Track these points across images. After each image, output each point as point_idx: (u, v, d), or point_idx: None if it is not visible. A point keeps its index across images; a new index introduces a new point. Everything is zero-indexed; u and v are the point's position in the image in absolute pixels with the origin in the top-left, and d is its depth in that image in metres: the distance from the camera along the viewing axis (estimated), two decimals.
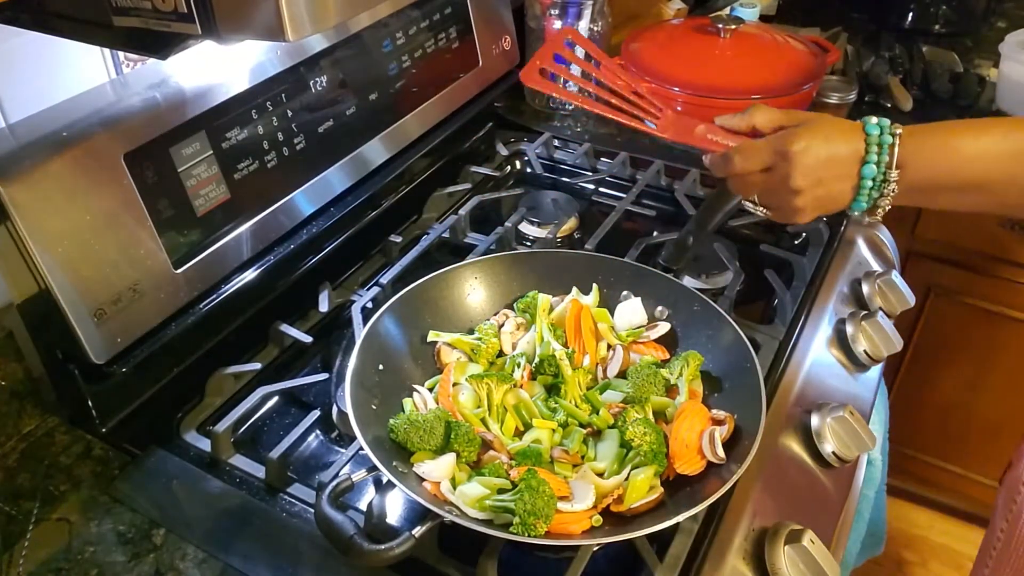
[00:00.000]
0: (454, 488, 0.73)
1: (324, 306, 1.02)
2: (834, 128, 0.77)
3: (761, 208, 0.84)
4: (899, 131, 0.74)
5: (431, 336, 0.89)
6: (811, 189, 0.76)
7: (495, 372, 0.83)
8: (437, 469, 0.73)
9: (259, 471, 0.83)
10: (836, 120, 0.79)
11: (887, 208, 0.76)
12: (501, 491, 0.71)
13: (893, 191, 0.74)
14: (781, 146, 0.77)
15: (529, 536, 0.67)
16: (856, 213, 0.77)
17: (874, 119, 0.75)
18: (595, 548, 0.73)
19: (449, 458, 0.74)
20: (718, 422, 0.77)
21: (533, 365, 0.86)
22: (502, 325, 0.91)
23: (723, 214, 1.09)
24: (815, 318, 1.02)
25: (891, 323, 1.01)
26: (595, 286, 0.94)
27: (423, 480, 0.73)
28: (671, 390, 0.83)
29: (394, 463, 0.72)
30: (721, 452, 0.74)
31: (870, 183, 0.75)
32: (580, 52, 0.99)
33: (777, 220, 0.83)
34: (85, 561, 0.75)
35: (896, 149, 0.73)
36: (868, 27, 1.80)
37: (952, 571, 1.74)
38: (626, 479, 0.73)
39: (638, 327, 0.91)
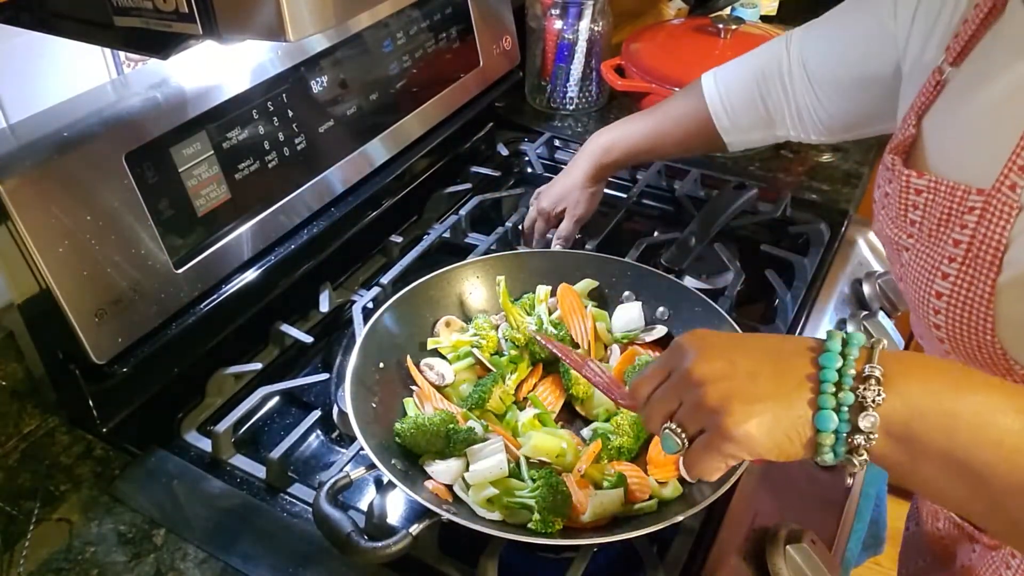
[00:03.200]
0: (467, 488, 0.73)
1: (325, 306, 1.02)
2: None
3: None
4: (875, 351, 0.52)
5: (430, 343, 0.88)
6: (726, 380, 0.53)
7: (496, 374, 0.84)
8: (448, 472, 0.74)
9: (260, 471, 0.83)
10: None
11: (865, 450, 0.51)
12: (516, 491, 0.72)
13: (873, 413, 0.50)
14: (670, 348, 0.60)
15: (547, 533, 0.68)
16: (827, 458, 0.52)
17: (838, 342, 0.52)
18: (595, 548, 0.73)
19: (459, 463, 0.75)
20: None
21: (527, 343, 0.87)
22: (497, 327, 0.90)
23: (726, 215, 1.10)
24: (816, 318, 1.02)
25: (892, 323, 1.01)
26: (587, 280, 0.95)
27: (428, 479, 0.74)
28: None
29: (393, 462, 0.72)
30: None
31: (832, 387, 0.51)
32: None
33: (696, 468, 0.56)
34: (86, 561, 0.75)
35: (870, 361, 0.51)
36: None
37: None
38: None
39: (633, 330, 0.90)
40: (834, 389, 0.51)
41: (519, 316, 0.89)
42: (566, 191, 1.09)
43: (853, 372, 0.51)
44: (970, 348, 0.66)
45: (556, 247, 1.08)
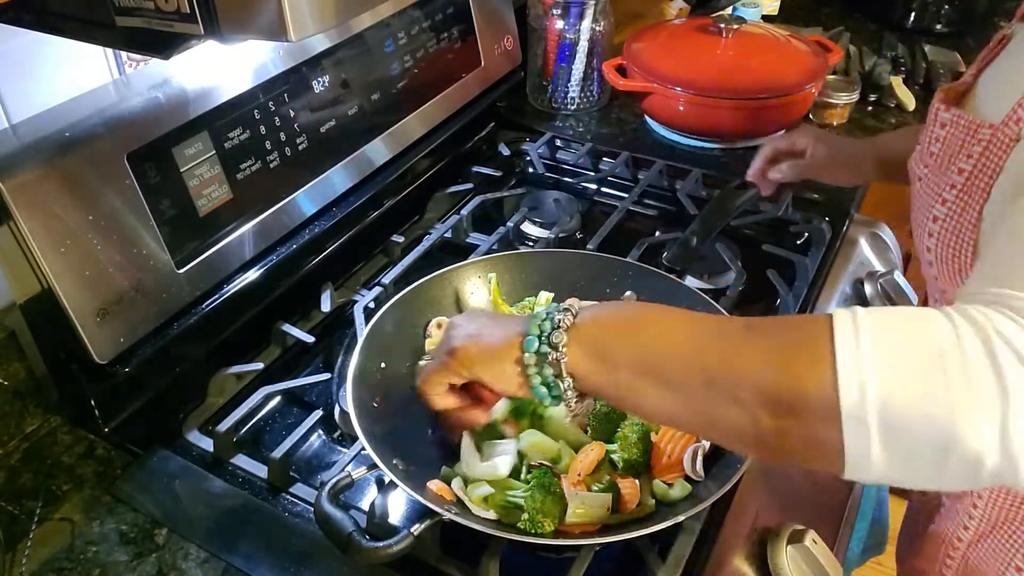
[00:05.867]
0: (465, 487, 0.73)
1: (326, 306, 1.02)
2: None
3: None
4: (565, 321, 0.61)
5: (427, 345, 0.88)
6: (458, 327, 0.67)
7: None
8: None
9: (261, 471, 0.83)
10: None
11: (571, 390, 0.60)
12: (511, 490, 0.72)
13: (563, 348, 0.59)
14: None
15: (536, 534, 0.68)
16: (534, 379, 0.61)
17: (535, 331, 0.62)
18: (597, 548, 0.73)
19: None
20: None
21: None
22: None
23: (727, 215, 1.10)
24: None
25: None
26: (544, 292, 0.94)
27: (429, 479, 0.74)
28: None
29: (395, 461, 0.72)
30: (701, 470, 0.74)
31: (536, 325, 0.61)
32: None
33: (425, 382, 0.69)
34: (87, 561, 0.75)
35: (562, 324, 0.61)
36: (870, 27, 1.80)
37: None
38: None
39: None
40: (538, 328, 0.61)
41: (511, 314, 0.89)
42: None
43: (555, 314, 0.61)
44: (952, 271, 0.72)
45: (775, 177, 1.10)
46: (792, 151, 1.10)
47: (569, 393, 0.60)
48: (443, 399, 0.69)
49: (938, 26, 1.75)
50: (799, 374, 0.49)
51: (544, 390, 0.61)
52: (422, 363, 0.84)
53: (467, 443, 0.76)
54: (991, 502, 0.81)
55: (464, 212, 1.15)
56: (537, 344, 0.60)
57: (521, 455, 0.76)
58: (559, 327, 0.60)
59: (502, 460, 0.74)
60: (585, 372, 0.59)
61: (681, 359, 0.55)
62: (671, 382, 0.55)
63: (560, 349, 0.59)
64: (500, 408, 0.79)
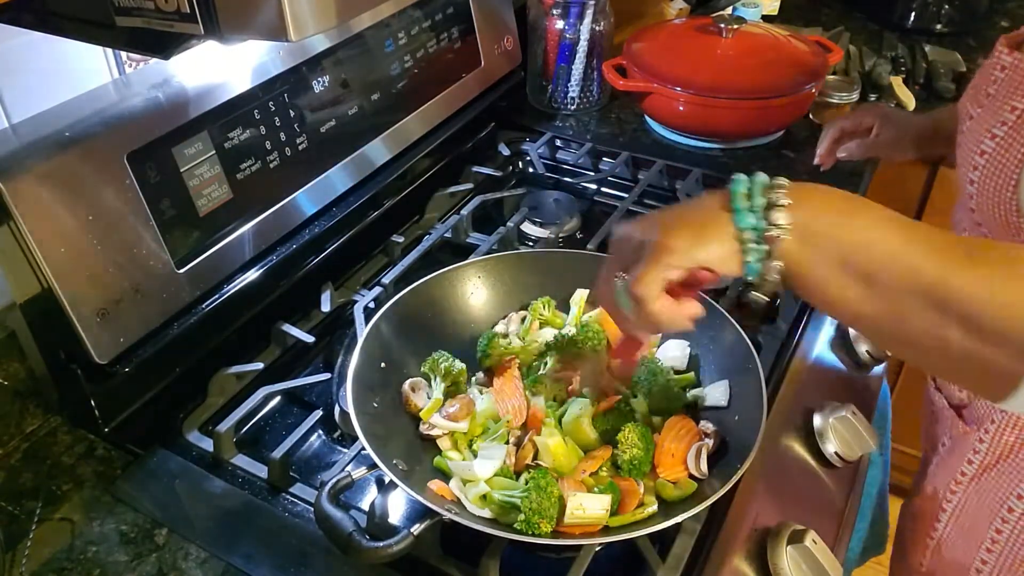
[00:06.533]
0: (463, 484, 0.74)
1: (326, 306, 1.02)
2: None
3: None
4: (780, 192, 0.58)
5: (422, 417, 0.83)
6: (653, 220, 0.63)
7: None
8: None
9: (261, 471, 0.83)
10: None
11: (776, 268, 0.58)
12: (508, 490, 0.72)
13: (781, 227, 0.57)
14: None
15: (533, 534, 0.67)
16: (751, 257, 0.58)
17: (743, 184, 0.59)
18: (597, 548, 0.73)
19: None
20: (705, 435, 0.77)
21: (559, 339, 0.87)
22: (506, 335, 0.90)
23: None
24: (817, 317, 1.02)
25: None
26: (580, 291, 0.94)
27: (429, 479, 0.74)
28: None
29: (395, 461, 0.72)
30: (705, 468, 0.74)
31: (744, 199, 0.59)
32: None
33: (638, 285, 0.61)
34: (87, 561, 0.75)
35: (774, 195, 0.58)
36: (870, 27, 1.80)
37: None
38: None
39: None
40: (747, 202, 0.58)
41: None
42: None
43: (762, 189, 0.58)
44: (992, 205, 0.77)
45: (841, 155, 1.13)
46: (858, 130, 1.13)
47: (774, 276, 0.58)
48: (662, 298, 0.61)
49: (938, 26, 1.75)
50: (1010, 304, 0.52)
51: (759, 267, 0.58)
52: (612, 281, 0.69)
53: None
54: (997, 435, 0.87)
55: (464, 212, 1.15)
56: (752, 220, 0.58)
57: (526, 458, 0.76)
58: (778, 205, 0.57)
59: (481, 463, 0.74)
60: (793, 257, 0.57)
61: (895, 263, 0.55)
62: (879, 283, 0.55)
63: (780, 226, 0.57)
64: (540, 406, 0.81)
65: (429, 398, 0.82)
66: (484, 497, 0.72)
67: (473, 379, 0.86)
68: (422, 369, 0.85)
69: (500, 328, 0.91)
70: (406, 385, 0.83)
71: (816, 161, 1.16)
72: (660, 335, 0.85)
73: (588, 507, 0.70)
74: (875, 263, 0.56)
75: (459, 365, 0.84)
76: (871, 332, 0.66)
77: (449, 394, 0.83)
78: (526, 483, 0.71)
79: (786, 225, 0.57)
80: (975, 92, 0.83)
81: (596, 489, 0.73)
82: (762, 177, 0.59)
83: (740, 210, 0.58)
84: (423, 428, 0.80)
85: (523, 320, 0.92)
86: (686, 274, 0.60)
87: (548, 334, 0.89)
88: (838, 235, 0.57)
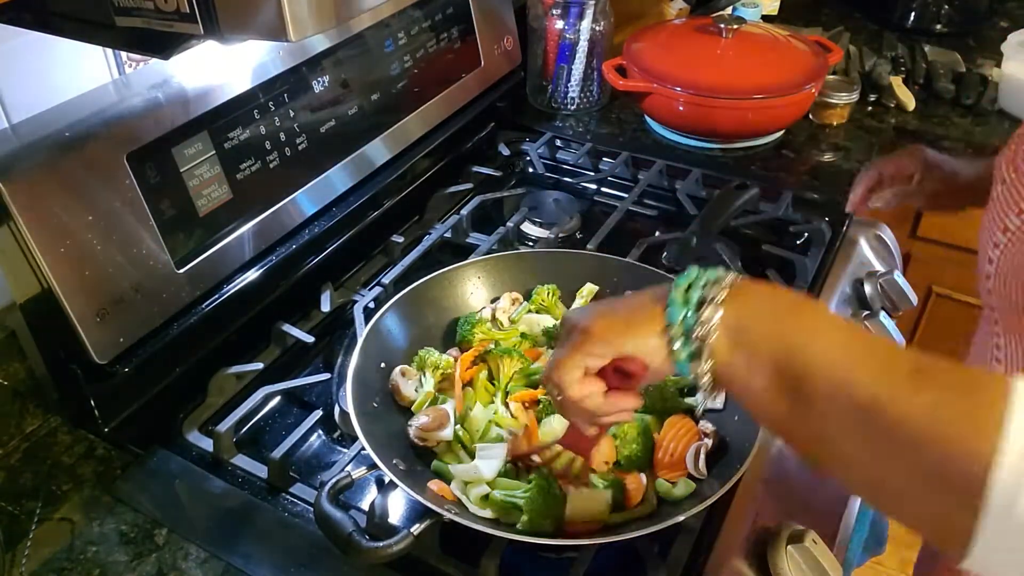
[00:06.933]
0: (464, 485, 0.74)
1: (326, 306, 1.02)
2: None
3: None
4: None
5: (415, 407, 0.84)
6: (588, 310, 0.62)
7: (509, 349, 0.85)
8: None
9: (261, 471, 0.83)
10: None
11: (708, 368, 0.55)
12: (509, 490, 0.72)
13: (713, 327, 0.54)
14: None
15: (535, 533, 0.68)
16: (679, 352, 0.56)
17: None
18: (597, 548, 0.73)
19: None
20: (704, 435, 0.77)
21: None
22: (493, 315, 0.91)
23: (727, 215, 1.10)
24: None
25: (893, 323, 1.01)
26: (589, 284, 0.94)
27: (429, 479, 0.74)
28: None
29: (395, 461, 0.72)
30: (704, 468, 0.74)
31: (680, 308, 0.56)
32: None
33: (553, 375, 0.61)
34: (87, 561, 0.75)
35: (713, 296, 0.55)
36: (870, 27, 1.80)
37: None
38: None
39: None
40: (684, 295, 0.55)
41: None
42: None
43: (702, 285, 0.56)
44: (1010, 288, 0.70)
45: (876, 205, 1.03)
46: (898, 177, 1.01)
47: (705, 380, 0.54)
48: (581, 386, 0.60)
49: (938, 26, 1.75)
50: (955, 439, 0.43)
51: (688, 365, 0.55)
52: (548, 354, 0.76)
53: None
54: None
55: (464, 212, 1.15)
56: (683, 313, 0.54)
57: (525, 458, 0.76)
58: (713, 300, 0.54)
59: (486, 463, 0.74)
60: (724, 360, 0.53)
61: (828, 373, 0.49)
62: (809, 395, 0.49)
63: (710, 326, 0.53)
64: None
65: (417, 391, 0.83)
66: (486, 497, 0.72)
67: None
68: (412, 367, 0.86)
69: (487, 312, 0.91)
70: (396, 372, 0.84)
71: (847, 208, 1.06)
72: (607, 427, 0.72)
73: (590, 502, 0.71)
74: (807, 371, 0.49)
75: (447, 358, 0.85)
76: (806, 456, 0.58)
77: (441, 389, 0.83)
78: (529, 482, 0.71)
79: (715, 323, 0.53)
80: (1011, 154, 0.74)
81: (599, 484, 0.73)
82: (709, 272, 0.56)
83: (673, 303, 0.56)
84: (413, 437, 0.79)
85: (513, 303, 0.93)
86: (609, 363, 0.59)
87: (542, 321, 0.90)
88: (771, 337, 0.52)
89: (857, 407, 0.47)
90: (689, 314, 0.55)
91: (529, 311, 0.92)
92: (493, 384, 0.84)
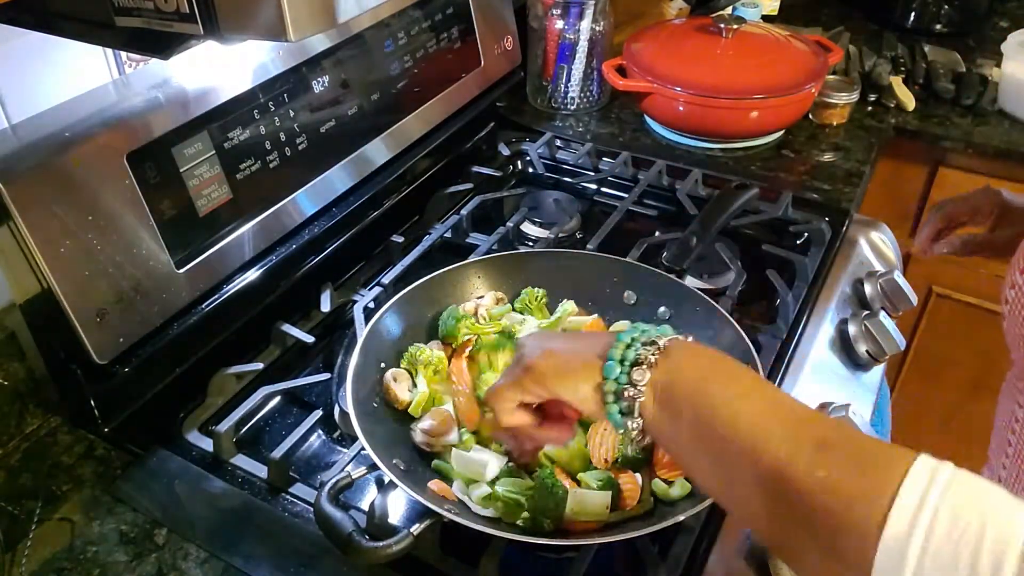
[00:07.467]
0: (466, 486, 0.74)
1: (326, 306, 1.02)
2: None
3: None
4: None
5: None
6: (533, 345, 0.65)
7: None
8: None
9: (261, 471, 0.83)
10: None
11: (639, 418, 0.58)
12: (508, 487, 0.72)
13: (642, 380, 0.57)
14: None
15: (536, 533, 0.68)
16: (611, 407, 0.59)
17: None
18: (597, 548, 0.73)
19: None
20: None
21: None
22: (476, 311, 0.91)
23: (727, 215, 1.10)
24: (817, 318, 1.02)
25: (893, 323, 1.01)
26: (570, 304, 0.93)
27: (429, 479, 0.74)
28: None
29: (395, 461, 0.72)
30: None
31: (621, 349, 0.59)
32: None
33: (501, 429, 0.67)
34: (87, 561, 0.75)
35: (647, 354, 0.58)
36: (870, 27, 1.80)
37: None
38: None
39: None
40: (620, 355, 0.58)
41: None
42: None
43: (640, 344, 0.58)
44: (1018, 336, 0.73)
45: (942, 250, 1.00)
46: (971, 220, 0.97)
47: (635, 434, 0.58)
48: (512, 416, 0.65)
49: (938, 26, 1.75)
50: (845, 514, 0.45)
51: (619, 419, 0.58)
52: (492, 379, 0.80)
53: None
54: None
55: (464, 212, 1.15)
56: (618, 371, 0.58)
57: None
58: (642, 363, 0.57)
59: (492, 460, 0.74)
60: (652, 417, 0.57)
61: (739, 435, 0.51)
62: (721, 457, 0.53)
63: (639, 387, 0.57)
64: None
65: (411, 392, 0.83)
66: (489, 496, 0.72)
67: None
68: (401, 365, 0.85)
69: (470, 306, 0.91)
70: (388, 375, 0.83)
71: (914, 251, 1.01)
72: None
73: (589, 503, 0.71)
74: (725, 434, 0.52)
75: (438, 353, 0.85)
76: (732, 514, 0.62)
77: (432, 382, 0.84)
78: (532, 480, 0.71)
79: (642, 385, 0.57)
80: None
81: (594, 484, 0.73)
82: (651, 331, 0.59)
83: (611, 359, 0.58)
84: (420, 442, 0.79)
85: (497, 302, 0.93)
86: (542, 402, 0.63)
87: (527, 323, 0.90)
88: (693, 399, 0.55)
89: (764, 475, 0.49)
90: (621, 373, 0.58)
91: (512, 310, 0.92)
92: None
